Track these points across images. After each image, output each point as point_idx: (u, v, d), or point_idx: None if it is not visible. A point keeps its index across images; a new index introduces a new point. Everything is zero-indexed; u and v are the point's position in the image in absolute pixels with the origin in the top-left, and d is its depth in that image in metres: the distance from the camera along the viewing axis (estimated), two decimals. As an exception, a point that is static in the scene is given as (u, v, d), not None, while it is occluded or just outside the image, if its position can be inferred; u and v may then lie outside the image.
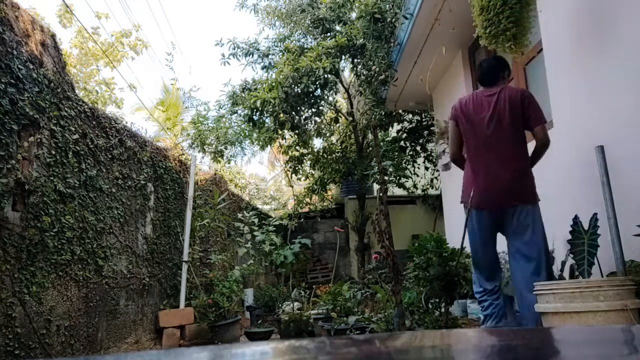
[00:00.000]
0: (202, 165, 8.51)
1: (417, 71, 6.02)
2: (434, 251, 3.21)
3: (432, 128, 7.94)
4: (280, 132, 7.05)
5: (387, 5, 6.21)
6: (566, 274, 3.17)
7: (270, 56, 7.29)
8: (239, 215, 7.16)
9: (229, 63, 7.26)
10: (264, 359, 0.70)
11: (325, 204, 9.93)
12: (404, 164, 7.70)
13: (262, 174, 18.61)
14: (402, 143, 8.23)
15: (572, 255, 2.98)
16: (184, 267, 6.12)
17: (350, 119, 7.63)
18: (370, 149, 7.51)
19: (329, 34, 6.91)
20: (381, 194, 3.23)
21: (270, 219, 7.52)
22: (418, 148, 8.28)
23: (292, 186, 9.35)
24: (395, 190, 8.54)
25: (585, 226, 2.95)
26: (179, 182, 6.55)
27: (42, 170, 3.83)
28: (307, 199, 8.69)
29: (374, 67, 6.13)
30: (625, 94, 2.93)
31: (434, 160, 8.16)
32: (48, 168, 3.90)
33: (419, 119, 8.34)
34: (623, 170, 2.89)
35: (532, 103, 2.90)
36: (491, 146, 2.91)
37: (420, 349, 0.73)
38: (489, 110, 2.93)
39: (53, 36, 4.19)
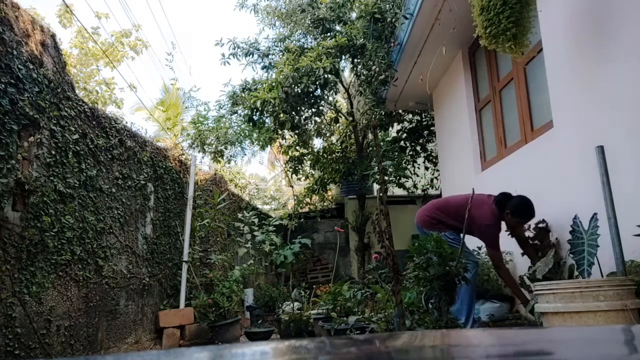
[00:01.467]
0: (202, 165, 8.52)
1: (417, 71, 6.02)
2: (434, 251, 3.21)
3: (432, 128, 7.94)
4: (280, 132, 7.04)
5: (387, 5, 6.21)
6: (566, 274, 3.17)
7: (270, 56, 7.29)
8: (239, 215, 7.16)
9: (229, 63, 7.26)
10: (264, 359, 0.70)
11: (325, 204, 9.93)
12: (404, 164, 7.70)
13: (262, 174, 18.63)
14: (402, 143, 8.23)
15: (572, 255, 2.98)
16: (184, 267, 6.12)
17: (350, 119, 7.63)
18: (370, 149, 7.51)
19: (329, 34, 6.90)
20: (381, 194, 3.22)
21: (270, 219, 7.52)
22: (418, 148, 8.28)
23: (292, 186, 9.35)
24: (395, 190, 8.53)
25: (585, 226, 2.95)
26: (179, 182, 6.55)
27: (42, 170, 3.83)
28: (307, 199, 8.69)
29: (374, 67, 6.13)
30: (625, 93, 2.93)
31: (434, 160, 8.17)
32: (48, 168, 3.90)
33: (419, 119, 8.34)
34: (623, 170, 2.89)
35: (483, 231, 3.82)
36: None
37: (420, 349, 0.73)
38: (457, 197, 4.21)
39: (53, 36, 4.19)
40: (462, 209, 3.81)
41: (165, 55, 27.75)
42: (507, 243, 4.39)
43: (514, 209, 3.71)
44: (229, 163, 8.57)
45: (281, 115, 6.37)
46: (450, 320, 3.24)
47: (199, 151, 7.48)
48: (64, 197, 4.07)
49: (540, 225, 3.80)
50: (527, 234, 3.89)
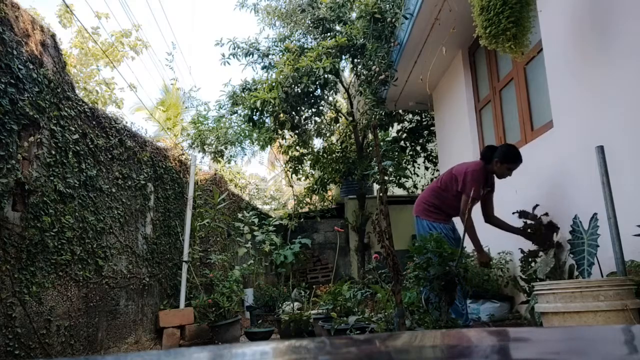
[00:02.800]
0: (202, 165, 8.53)
1: (417, 71, 6.02)
2: (434, 251, 3.21)
3: (432, 128, 7.94)
4: (280, 132, 7.04)
5: (387, 5, 6.21)
6: (566, 274, 3.17)
7: (270, 56, 7.29)
8: (239, 215, 7.16)
9: (229, 63, 7.26)
10: (264, 359, 0.70)
11: (325, 204, 9.93)
12: (404, 164, 7.70)
13: (262, 174, 18.65)
14: (402, 143, 8.23)
15: (572, 255, 2.98)
16: (184, 267, 6.12)
17: (350, 119, 7.63)
18: (370, 149, 7.51)
19: (329, 34, 6.90)
20: (381, 194, 3.22)
21: (270, 219, 7.52)
22: (418, 148, 8.28)
23: (292, 186, 9.35)
24: (395, 190, 8.54)
25: (585, 226, 2.95)
26: (179, 182, 6.55)
27: (42, 170, 3.83)
28: (307, 199, 8.69)
29: (374, 67, 6.13)
30: (625, 93, 2.93)
31: (434, 160, 8.17)
32: (48, 168, 3.90)
33: (419, 119, 8.34)
34: (623, 170, 2.89)
35: (461, 181, 3.89)
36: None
37: (420, 349, 0.73)
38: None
39: (53, 36, 4.19)
40: (449, 175, 4.05)
41: (165, 55, 27.75)
42: (506, 243, 4.40)
43: (503, 156, 3.81)
44: (229, 163, 8.58)
45: (281, 115, 6.37)
46: (450, 320, 3.24)
47: (199, 151, 7.49)
48: (64, 197, 4.07)
49: (544, 219, 3.74)
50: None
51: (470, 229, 3.72)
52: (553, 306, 2.42)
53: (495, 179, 4.03)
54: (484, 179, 3.87)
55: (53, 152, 3.97)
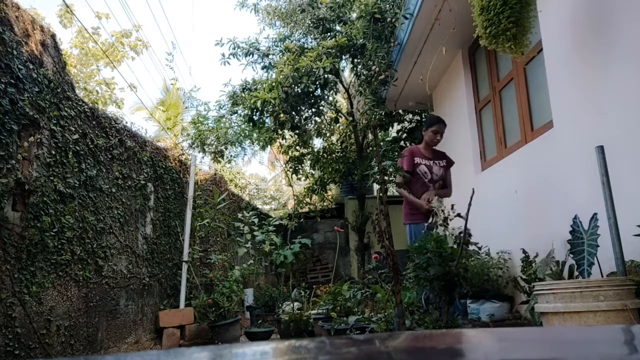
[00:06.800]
0: (202, 165, 8.53)
1: (417, 71, 6.02)
2: (434, 251, 3.21)
3: (432, 128, 7.92)
4: (280, 132, 7.04)
5: (387, 5, 6.21)
6: (566, 274, 3.17)
7: (270, 56, 7.29)
8: (239, 215, 7.16)
9: (229, 63, 7.26)
10: (264, 359, 0.70)
11: (325, 204, 9.94)
12: (404, 164, 7.68)
13: (262, 174, 18.65)
14: (402, 143, 8.23)
15: (572, 255, 2.98)
16: (184, 267, 6.12)
17: (350, 119, 7.63)
18: (370, 149, 7.51)
19: (329, 34, 6.90)
20: (381, 194, 3.22)
21: (270, 219, 7.52)
22: (418, 148, 8.27)
23: (292, 186, 9.36)
24: (395, 190, 8.53)
25: (585, 226, 2.95)
26: (179, 182, 6.55)
27: (42, 170, 3.83)
28: (307, 199, 8.69)
29: (374, 67, 6.13)
30: (625, 93, 2.93)
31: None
32: (48, 168, 3.90)
33: (419, 119, 8.33)
34: (623, 170, 2.89)
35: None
36: None
37: (420, 349, 0.73)
38: None
39: (53, 36, 4.19)
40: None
41: (165, 55, 27.76)
42: (506, 243, 4.40)
43: (424, 124, 4.53)
44: (229, 163, 8.58)
45: (281, 115, 6.37)
46: (450, 320, 3.24)
47: (199, 151, 7.49)
48: (64, 197, 4.07)
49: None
50: None
51: (402, 195, 4.61)
52: (553, 306, 2.42)
53: (448, 153, 4.56)
54: (410, 155, 4.46)
55: (53, 152, 3.97)
